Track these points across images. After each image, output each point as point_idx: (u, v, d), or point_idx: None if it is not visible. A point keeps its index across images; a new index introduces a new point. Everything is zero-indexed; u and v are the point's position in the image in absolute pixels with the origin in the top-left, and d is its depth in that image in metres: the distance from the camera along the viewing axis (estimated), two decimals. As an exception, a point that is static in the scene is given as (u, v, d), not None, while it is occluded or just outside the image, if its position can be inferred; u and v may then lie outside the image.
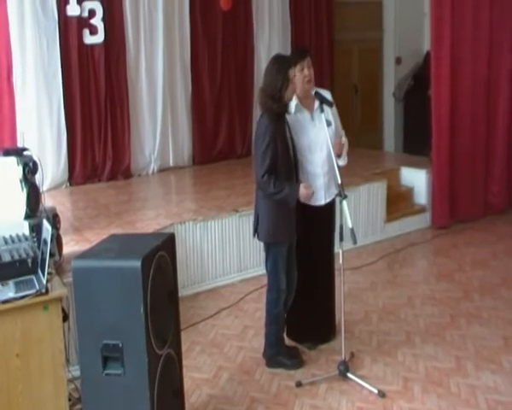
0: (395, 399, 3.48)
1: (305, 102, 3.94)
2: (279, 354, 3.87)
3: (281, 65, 3.62)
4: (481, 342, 4.10)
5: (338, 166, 3.74)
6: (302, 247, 3.92)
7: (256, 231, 3.79)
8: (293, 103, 3.87)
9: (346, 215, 3.51)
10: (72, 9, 6.66)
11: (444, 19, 6.52)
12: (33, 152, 3.84)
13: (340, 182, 3.63)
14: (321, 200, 3.96)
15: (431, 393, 3.52)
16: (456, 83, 6.67)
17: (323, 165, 3.92)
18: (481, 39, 6.77)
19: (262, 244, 3.89)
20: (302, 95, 3.92)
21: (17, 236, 3.35)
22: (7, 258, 2.98)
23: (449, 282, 5.23)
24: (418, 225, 6.79)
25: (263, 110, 3.70)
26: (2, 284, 2.83)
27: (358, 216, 6.21)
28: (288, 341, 4.05)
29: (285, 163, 3.66)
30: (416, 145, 8.22)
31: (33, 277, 2.93)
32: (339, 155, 3.87)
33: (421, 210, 6.92)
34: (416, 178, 7.03)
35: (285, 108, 3.67)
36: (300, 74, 3.85)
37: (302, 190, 3.63)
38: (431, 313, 4.62)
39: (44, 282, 2.82)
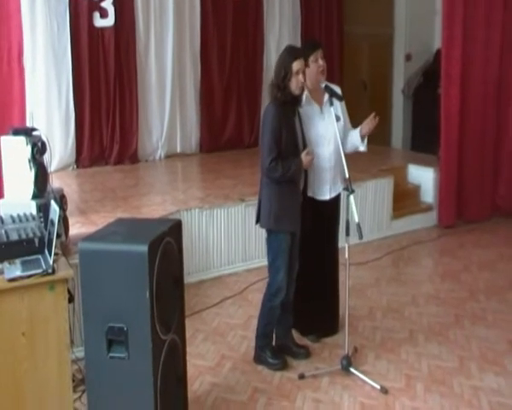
0: (397, 396, 3.46)
1: (315, 95, 3.90)
2: (264, 350, 3.80)
3: (286, 56, 3.58)
4: (485, 344, 4.07)
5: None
6: (306, 241, 3.87)
7: (258, 218, 3.72)
8: (303, 96, 3.83)
9: (353, 210, 3.48)
10: (83, -8, 6.64)
11: (456, 18, 6.47)
12: (42, 132, 3.81)
13: (347, 176, 3.60)
14: (325, 195, 3.93)
15: (434, 392, 3.50)
16: (466, 83, 6.63)
17: (330, 159, 3.89)
18: (493, 40, 6.72)
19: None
20: (312, 87, 3.88)
21: (24, 215, 3.33)
22: (14, 237, 2.97)
23: (454, 282, 5.21)
24: (424, 224, 6.77)
25: (270, 99, 3.66)
26: (10, 263, 2.82)
27: (365, 212, 6.18)
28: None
29: (292, 154, 3.59)
30: (424, 143, 8.18)
31: (40, 256, 2.91)
32: (363, 137, 3.87)
33: (428, 208, 6.90)
34: (424, 176, 7.01)
35: (289, 96, 3.58)
36: (315, 64, 3.82)
37: (304, 158, 3.58)
38: (435, 312, 4.60)
39: (51, 262, 2.80)
